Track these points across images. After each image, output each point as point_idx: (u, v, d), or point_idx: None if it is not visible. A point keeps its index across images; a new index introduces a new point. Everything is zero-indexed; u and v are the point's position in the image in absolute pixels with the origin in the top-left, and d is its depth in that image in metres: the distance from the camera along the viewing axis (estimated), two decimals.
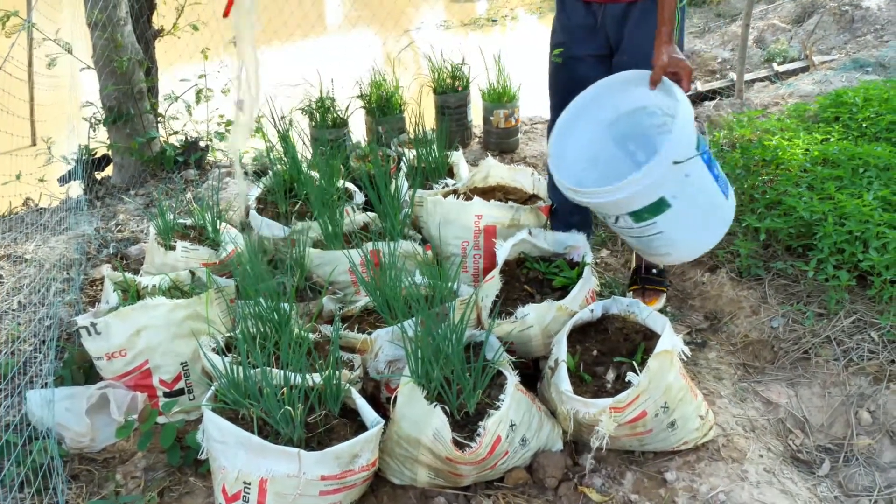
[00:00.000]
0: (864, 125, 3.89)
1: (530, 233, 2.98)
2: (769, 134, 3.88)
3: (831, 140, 3.74)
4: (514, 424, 2.26)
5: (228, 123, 4.90)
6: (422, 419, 2.20)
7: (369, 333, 2.60)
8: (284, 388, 2.19)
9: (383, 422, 2.22)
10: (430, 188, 3.46)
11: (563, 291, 2.78)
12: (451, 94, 4.80)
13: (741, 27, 5.26)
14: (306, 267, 3.04)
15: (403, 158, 3.76)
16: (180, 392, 2.69)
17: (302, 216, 3.37)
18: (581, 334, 2.64)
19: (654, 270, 3.15)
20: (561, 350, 2.44)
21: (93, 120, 4.56)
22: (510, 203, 3.14)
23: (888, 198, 3.11)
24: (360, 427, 2.25)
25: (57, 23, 4.52)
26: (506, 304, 2.74)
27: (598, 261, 3.58)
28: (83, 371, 2.80)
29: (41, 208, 4.45)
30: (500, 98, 4.76)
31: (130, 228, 4.06)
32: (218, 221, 3.27)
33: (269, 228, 3.28)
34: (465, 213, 3.10)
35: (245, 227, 3.50)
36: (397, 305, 2.60)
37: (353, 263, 2.87)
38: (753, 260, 3.25)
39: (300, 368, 2.27)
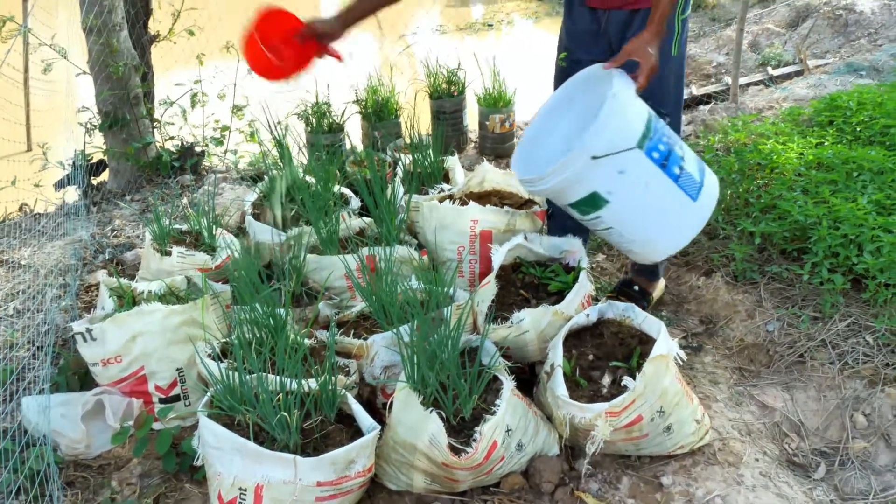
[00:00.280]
0: (858, 129, 3.90)
1: (526, 238, 2.99)
2: (764, 138, 3.89)
3: (825, 144, 3.76)
4: (511, 429, 2.26)
5: (224, 128, 4.91)
6: (418, 424, 2.20)
7: (365, 339, 2.60)
8: (280, 394, 2.19)
9: (379, 427, 2.22)
10: (426, 193, 3.46)
11: (558, 296, 2.77)
12: (446, 99, 4.81)
13: (736, 31, 5.27)
14: (302, 272, 3.04)
15: (399, 163, 3.76)
16: (176, 398, 2.69)
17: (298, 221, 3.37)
18: (577, 339, 2.64)
19: (636, 287, 3.15)
20: (557, 355, 2.45)
21: (89, 125, 4.56)
22: (506, 208, 3.15)
23: (882, 201, 3.13)
24: (356, 433, 2.26)
25: (52, 28, 4.52)
26: (502, 308, 2.74)
27: (593, 265, 3.59)
28: (79, 377, 2.80)
29: (37, 214, 4.45)
30: (495, 103, 4.77)
31: (126, 234, 4.06)
32: (214, 227, 3.27)
33: (265, 234, 3.27)
34: (461, 218, 3.10)
35: (241, 233, 3.50)
36: (393, 311, 2.60)
37: (348, 269, 2.87)
38: (748, 264, 3.26)
39: (296, 374, 2.27)
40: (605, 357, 2.56)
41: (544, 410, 2.49)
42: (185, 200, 4.28)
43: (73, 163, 4.57)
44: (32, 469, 2.34)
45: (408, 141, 3.98)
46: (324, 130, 4.54)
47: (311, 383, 2.28)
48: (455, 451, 2.17)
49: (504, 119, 4.77)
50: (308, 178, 3.56)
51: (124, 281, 2.86)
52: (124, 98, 4.45)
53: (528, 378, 2.74)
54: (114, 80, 4.36)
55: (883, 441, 2.54)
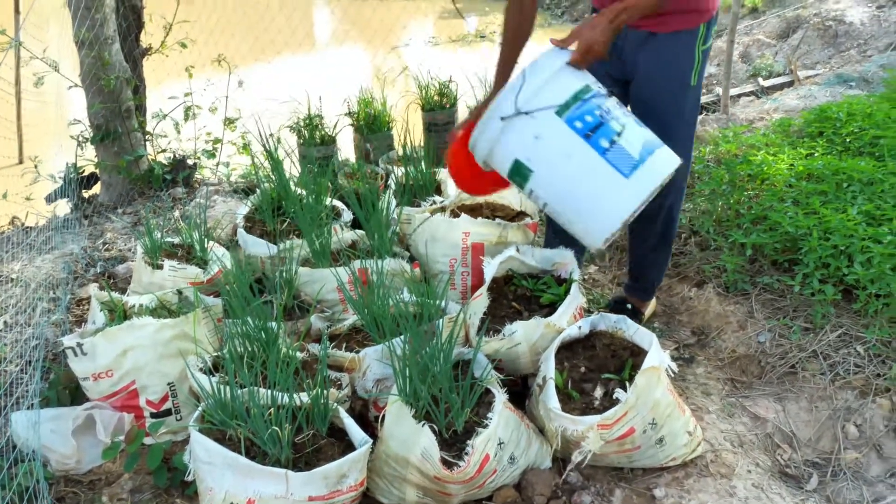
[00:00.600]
0: (847, 140, 3.92)
1: (518, 250, 2.99)
2: (754, 149, 3.91)
3: (816, 155, 3.77)
4: (503, 442, 2.26)
5: (216, 141, 4.90)
6: (410, 438, 2.20)
7: (357, 352, 2.60)
8: (272, 408, 2.18)
9: (371, 441, 2.22)
10: (418, 205, 3.46)
11: (550, 308, 2.78)
12: (438, 112, 4.81)
13: (726, 43, 5.30)
14: (294, 285, 3.04)
15: (391, 176, 3.76)
16: (167, 412, 2.68)
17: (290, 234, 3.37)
18: (569, 351, 2.64)
19: (629, 306, 3.15)
20: (549, 367, 2.45)
21: (80, 138, 4.55)
22: (497, 220, 3.15)
23: (872, 212, 3.14)
24: (348, 447, 2.25)
25: (43, 42, 4.52)
26: (494, 321, 2.74)
27: (585, 277, 3.59)
28: (69, 392, 2.79)
29: (28, 227, 4.44)
30: None
31: (118, 247, 4.05)
32: (206, 240, 3.27)
33: (257, 247, 3.27)
34: (453, 230, 3.11)
35: (233, 245, 3.50)
36: (385, 324, 2.60)
37: (340, 282, 2.87)
38: (740, 275, 3.27)
39: (287, 388, 2.27)
40: (597, 369, 2.56)
41: (537, 423, 2.49)
42: (176, 213, 4.27)
43: (65, 176, 4.56)
44: (22, 485, 2.32)
45: (400, 153, 3.98)
46: (316, 143, 4.53)
47: (303, 397, 2.28)
48: (447, 464, 2.17)
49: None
50: (300, 190, 3.56)
51: (115, 295, 2.85)
52: (116, 111, 4.45)
53: (521, 391, 2.74)
54: (105, 93, 4.35)
55: (875, 452, 2.55)
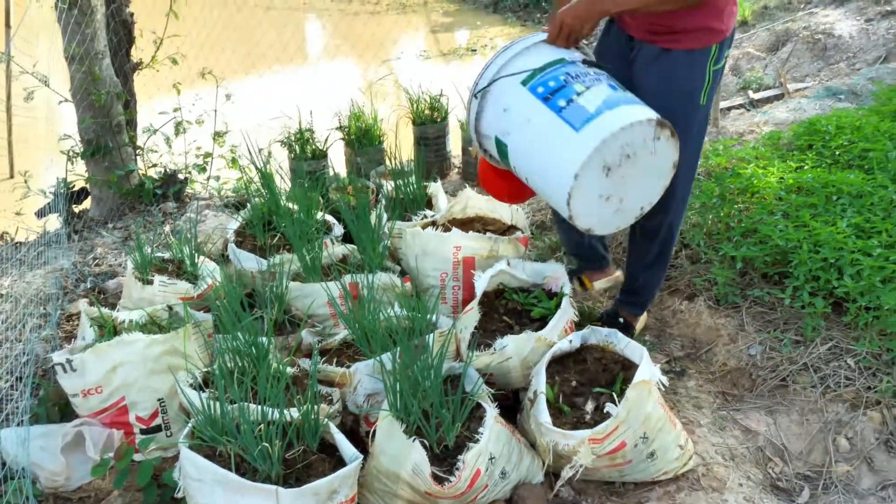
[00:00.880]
0: (837, 153, 3.94)
1: (509, 264, 3.00)
2: (744, 162, 3.92)
3: (805, 168, 3.79)
4: (494, 457, 2.25)
5: (207, 155, 4.90)
6: (401, 453, 2.19)
7: (348, 367, 2.60)
8: (262, 424, 2.17)
9: (362, 457, 2.21)
10: (409, 220, 3.47)
11: (541, 322, 2.78)
12: (429, 126, 4.83)
13: None
14: (285, 300, 3.04)
15: (382, 190, 3.77)
16: (157, 429, 2.66)
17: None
18: (560, 365, 2.64)
19: (621, 320, 3.15)
20: (540, 381, 2.44)
21: (71, 153, 4.55)
22: (488, 234, 3.16)
23: (861, 225, 3.15)
24: (339, 462, 2.24)
25: (33, 57, 4.51)
26: (484, 335, 2.74)
27: (576, 290, 3.58)
28: (59, 408, 2.77)
29: (18, 242, 4.42)
30: None
31: (108, 262, 4.04)
32: (196, 255, 3.26)
33: (248, 261, 3.27)
34: (444, 244, 3.11)
35: (224, 260, 3.49)
36: (376, 338, 2.60)
37: (331, 296, 2.87)
38: (730, 288, 3.28)
39: (278, 403, 2.26)
40: (588, 383, 2.56)
41: (528, 437, 2.49)
42: (167, 228, 4.26)
43: (55, 191, 4.55)
44: (11, 503, 2.31)
45: (391, 167, 3.99)
46: (307, 157, 4.54)
47: (294, 413, 2.27)
48: (438, 479, 2.16)
49: None
50: (291, 204, 3.55)
51: (105, 310, 2.84)
52: (106, 126, 4.44)
53: (512, 405, 2.73)
54: (96, 107, 4.36)
55: (866, 464, 2.55)
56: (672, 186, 2.65)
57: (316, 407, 2.26)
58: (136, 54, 4.90)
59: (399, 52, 10.35)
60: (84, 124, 4.40)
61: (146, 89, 5.16)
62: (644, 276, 3.06)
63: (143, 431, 2.65)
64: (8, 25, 5.60)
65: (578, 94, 2.33)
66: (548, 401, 2.40)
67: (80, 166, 4.65)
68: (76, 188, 4.70)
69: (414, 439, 2.18)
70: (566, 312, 2.77)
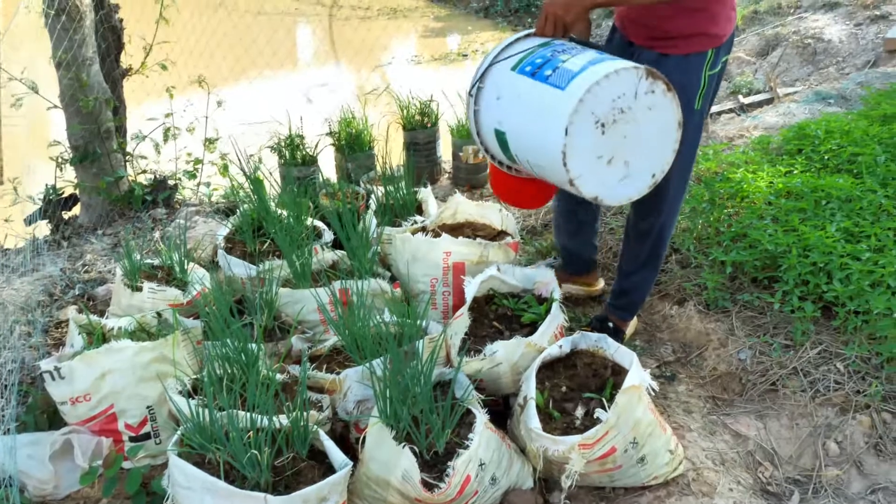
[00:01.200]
0: (826, 157, 3.96)
1: (499, 269, 3.00)
2: (734, 167, 3.93)
3: (795, 172, 3.80)
4: (484, 463, 2.25)
5: (197, 162, 4.89)
6: (390, 460, 2.19)
7: (338, 373, 2.59)
8: (251, 431, 2.16)
9: (351, 464, 2.20)
10: (399, 225, 3.46)
11: (531, 327, 2.78)
12: (420, 131, 4.83)
13: None
14: (275, 306, 3.03)
15: (372, 196, 3.76)
16: (146, 436, 2.65)
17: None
18: (550, 370, 2.64)
19: (610, 324, 3.15)
20: (530, 387, 2.44)
21: (60, 159, 4.53)
22: (478, 240, 3.15)
23: (850, 229, 3.16)
24: (329, 469, 2.23)
25: (21, 63, 4.49)
26: (475, 341, 2.74)
27: (566, 295, 3.58)
28: (47, 416, 2.76)
29: (6, 249, 4.40)
30: (468, 134, 4.78)
31: (98, 269, 4.02)
32: (186, 261, 3.25)
33: (238, 268, 3.26)
34: (434, 250, 3.10)
35: (214, 266, 3.48)
36: (366, 344, 2.59)
37: (320, 302, 2.86)
38: (720, 292, 3.28)
39: (267, 410, 2.25)
40: (578, 388, 2.56)
41: (518, 443, 2.49)
42: (157, 234, 4.25)
43: (44, 197, 4.53)
44: None
45: (381, 173, 3.99)
46: (297, 163, 4.53)
47: (283, 419, 2.26)
48: (428, 486, 2.16)
49: (478, 150, 4.78)
50: (281, 210, 3.55)
51: (94, 318, 2.83)
52: (95, 132, 4.43)
53: (503, 410, 2.73)
54: (84, 114, 4.34)
55: (855, 468, 2.55)
56: (665, 188, 2.66)
57: (305, 414, 2.25)
58: (125, 60, 4.89)
59: (390, 58, 10.36)
60: (73, 130, 4.38)
61: (135, 95, 5.14)
62: (636, 278, 3.06)
63: (132, 439, 2.64)
64: None
65: (564, 62, 2.31)
66: (538, 406, 2.40)
67: (70, 172, 4.63)
68: (65, 195, 4.67)
69: (404, 446, 2.18)
70: (556, 318, 2.77)
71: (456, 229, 3.39)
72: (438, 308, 3.16)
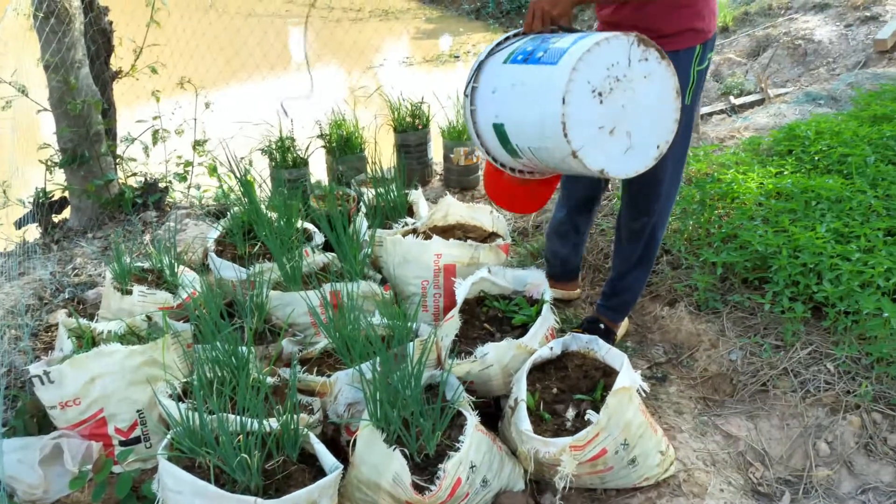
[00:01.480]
0: (816, 158, 3.96)
1: (490, 271, 2.99)
2: (725, 168, 3.94)
3: (785, 173, 3.81)
4: (475, 466, 2.25)
5: (187, 164, 4.88)
6: (381, 463, 2.18)
7: (329, 376, 2.58)
8: (241, 435, 2.16)
9: (342, 467, 2.20)
10: (390, 227, 3.46)
11: (522, 329, 2.78)
12: (411, 133, 4.82)
13: None
14: (265, 309, 3.02)
15: (363, 198, 3.76)
16: (136, 440, 2.64)
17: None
18: (541, 372, 2.64)
19: (601, 326, 3.15)
20: (520, 389, 2.44)
21: (49, 162, 4.51)
22: (469, 242, 3.15)
23: (840, 230, 3.17)
24: (319, 472, 2.23)
25: (9, 66, 4.47)
26: (466, 343, 2.73)
27: (557, 297, 3.59)
28: (36, 421, 2.74)
29: None
30: (459, 136, 4.79)
31: (88, 272, 4.01)
32: (176, 264, 3.24)
33: (228, 270, 3.25)
34: (425, 252, 3.10)
35: (204, 269, 3.47)
36: (356, 347, 2.59)
37: (311, 305, 2.85)
38: (711, 293, 3.29)
39: (257, 414, 2.24)
40: (569, 390, 2.56)
41: (509, 445, 2.48)
42: (147, 237, 4.24)
43: (34, 200, 4.52)
44: None
45: (372, 175, 3.98)
46: (288, 165, 4.53)
47: (273, 423, 2.26)
48: (419, 488, 2.15)
49: (469, 152, 4.79)
50: (271, 213, 3.54)
51: (83, 321, 2.82)
52: (84, 134, 4.41)
53: (494, 412, 2.73)
54: (73, 116, 4.32)
55: (846, 468, 2.56)
56: (657, 187, 2.67)
57: (296, 417, 2.25)
58: (115, 63, 4.87)
59: (382, 59, 10.36)
60: (62, 133, 4.36)
61: (126, 98, 5.12)
62: (628, 279, 3.06)
63: (122, 443, 2.63)
64: None
65: (554, 43, 2.32)
66: (528, 408, 2.40)
67: (60, 175, 4.62)
68: (55, 198, 4.66)
69: (394, 448, 2.17)
70: (547, 319, 2.76)
71: (447, 231, 3.39)
72: (429, 310, 3.16)
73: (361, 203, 3.72)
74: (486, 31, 11.37)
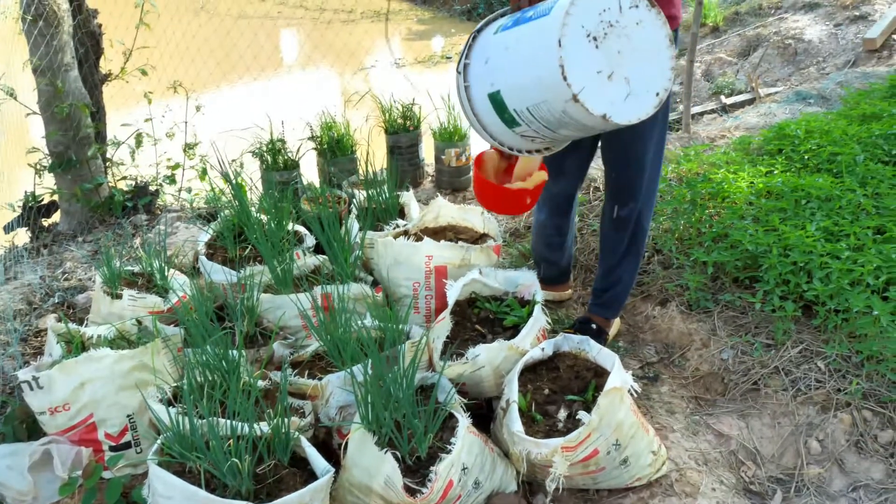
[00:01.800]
0: (806, 157, 3.97)
1: (481, 272, 2.99)
2: (715, 167, 3.94)
3: (775, 172, 3.82)
4: (467, 467, 2.24)
5: (177, 167, 4.86)
6: (373, 466, 2.18)
7: (320, 379, 2.58)
8: (231, 440, 2.15)
9: (333, 470, 2.19)
10: (381, 229, 3.45)
11: (514, 330, 2.77)
12: (402, 134, 4.82)
13: (686, 62, 5.36)
14: (256, 312, 3.01)
15: (354, 200, 3.75)
16: (127, 445, 2.63)
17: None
18: (533, 373, 2.63)
19: (593, 325, 3.15)
20: (512, 390, 2.44)
21: (38, 166, 4.49)
22: (460, 243, 3.15)
23: (830, 228, 3.18)
24: (311, 476, 2.22)
25: None
26: (457, 344, 2.73)
27: (549, 298, 3.59)
28: (26, 426, 2.73)
29: None
30: (451, 137, 4.79)
31: (78, 276, 3.99)
32: (166, 268, 3.23)
33: (219, 274, 3.24)
34: (416, 253, 3.09)
35: (195, 273, 3.46)
36: (348, 350, 2.58)
37: (302, 308, 2.84)
38: (702, 293, 3.29)
39: (248, 418, 2.24)
40: (560, 391, 2.56)
41: (501, 447, 2.48)
42: (137, 241, 4.22)
43: (24, 204, 4.50)
44: None
45: (363, 177, 3.97)
46: (279, 167, 4.52)
47: (264, 427, 2.25)
48: (411, 491, 2.15)
49: (460, 153, 4.78)
50: (262, 215, 3.53)
51: (73, 326, 2.80)
52: (73, 138, 4.40)
53: (486, 413, 2.72)
54: (61, 120, 4.30)
55: (837, 466, 2.56)
56: (640, 169, 2.69)
57: (287, 420, 2.24)
58: (105, 66, 4.85)
59: (373, 61, 10.35)
60: (51, 137, 4.35)
61: (114, 101, 5.11)
62: (618, 272, 3.06)
63: (112, 448, 2.61)
64: None
65: (542, 3, 2.32)
66: (520, 409, 2.39)
67: (50, 179, 4.60)
68: (45, 202, 4.64)
69: (386, 451, 2.17)
70: (538, 320, 2.76)
71: (438, 233, 3.39)
72: (421, 312, 3.16)
73: (353, 205, 3.71)
74: None
